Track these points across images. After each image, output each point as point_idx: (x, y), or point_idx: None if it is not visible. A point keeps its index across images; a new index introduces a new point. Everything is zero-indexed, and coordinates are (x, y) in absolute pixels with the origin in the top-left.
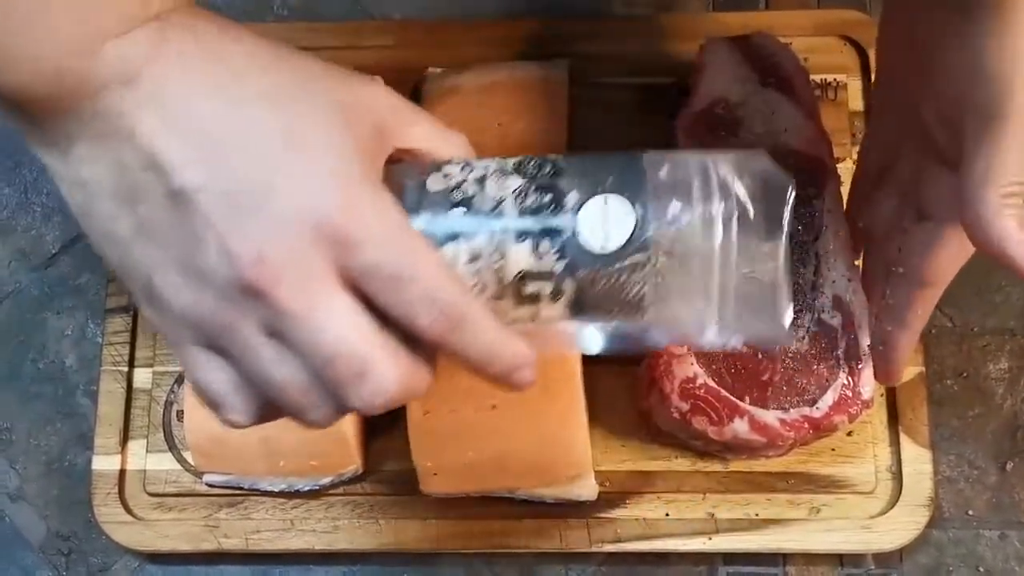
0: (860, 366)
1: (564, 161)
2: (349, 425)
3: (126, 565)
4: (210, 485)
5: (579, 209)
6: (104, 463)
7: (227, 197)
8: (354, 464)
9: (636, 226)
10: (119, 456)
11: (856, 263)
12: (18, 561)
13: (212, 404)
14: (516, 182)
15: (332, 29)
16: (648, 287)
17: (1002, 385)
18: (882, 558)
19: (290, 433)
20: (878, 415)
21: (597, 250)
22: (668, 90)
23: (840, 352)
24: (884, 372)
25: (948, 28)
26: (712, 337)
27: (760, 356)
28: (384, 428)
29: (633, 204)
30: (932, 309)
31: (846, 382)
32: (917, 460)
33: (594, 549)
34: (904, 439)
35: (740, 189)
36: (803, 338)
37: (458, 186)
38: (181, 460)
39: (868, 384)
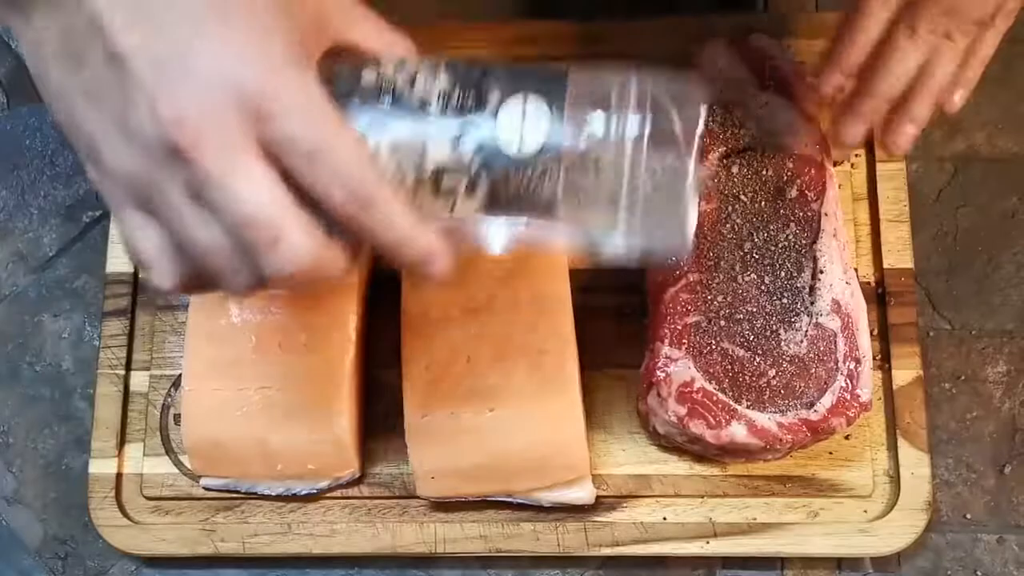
0: (858, 369)
1: (494, 66)
2: (346, 429)
3: (123, 569)
4: (207, 489)
5: (499, 110)
6: (101, 466)
7: (157, 61)
8: (351, 468)
9: (552, 130)
10: (116, 460)
11: (853, 267)
12: (15, 564)
13: (142, 266)
14: (444, 81)
15: None
16: (560, 188)
17: (1000, 388)
18: (880, 562)
19: (288, 437)
20: (876, 418)
21: (513, 150)
22: None
23: (838, 355)
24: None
25: None
26: (618, 241)
27: (757, 358)
28: (382, 431)
29: (551, 108)
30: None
31: (844, 385)
32: (915, 464)
33: (592, 553)
34: (902, 442)
35: (655, 105)
36: (801, 341)
37: (389, 80)
38: (178, 464)
39: (866, 387)
